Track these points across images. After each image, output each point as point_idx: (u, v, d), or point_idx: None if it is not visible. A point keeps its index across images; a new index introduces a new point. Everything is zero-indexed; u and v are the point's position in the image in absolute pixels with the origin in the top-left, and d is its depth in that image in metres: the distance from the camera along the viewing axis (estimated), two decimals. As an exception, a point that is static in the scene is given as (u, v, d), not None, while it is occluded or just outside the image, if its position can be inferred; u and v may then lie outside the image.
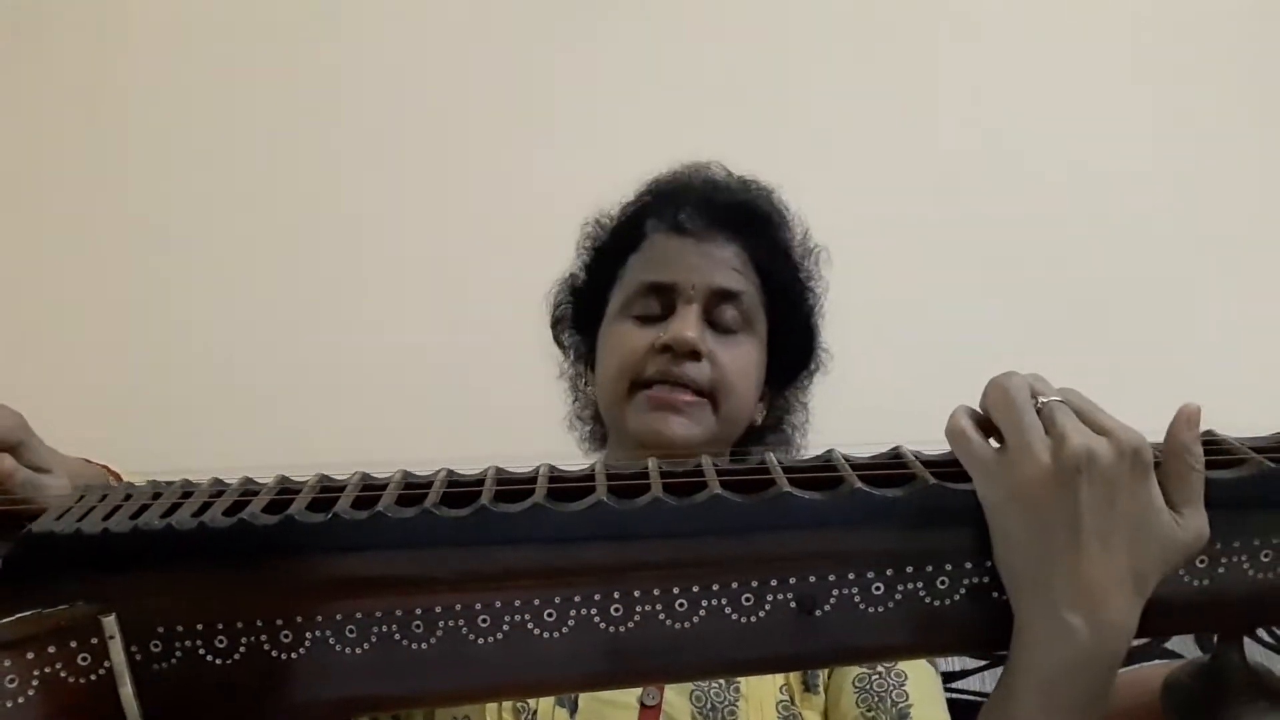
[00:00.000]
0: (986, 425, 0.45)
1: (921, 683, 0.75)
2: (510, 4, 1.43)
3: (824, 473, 0.47)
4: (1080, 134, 1.40)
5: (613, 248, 0.90)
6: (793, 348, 0.90)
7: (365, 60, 1.42)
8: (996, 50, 1.43)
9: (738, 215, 0.86)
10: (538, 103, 1.40)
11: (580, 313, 0.93)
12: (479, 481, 0.47)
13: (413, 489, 0.47)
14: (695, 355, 0.80)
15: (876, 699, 0.73)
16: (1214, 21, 1.43)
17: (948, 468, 0.46)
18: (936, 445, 0.48)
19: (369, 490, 0.47)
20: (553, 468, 0.49)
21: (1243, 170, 1.40)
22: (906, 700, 0.73)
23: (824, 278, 0.92)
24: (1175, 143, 1.41)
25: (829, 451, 0.49)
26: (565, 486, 0.46)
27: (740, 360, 0.83)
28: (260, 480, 0.49)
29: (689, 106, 1.39)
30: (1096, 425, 0.43)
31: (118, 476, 0.75)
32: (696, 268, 0.83)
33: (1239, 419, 0.49)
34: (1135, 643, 0.45)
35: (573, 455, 0.53)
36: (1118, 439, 0.43)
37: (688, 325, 0.80)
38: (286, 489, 0.48)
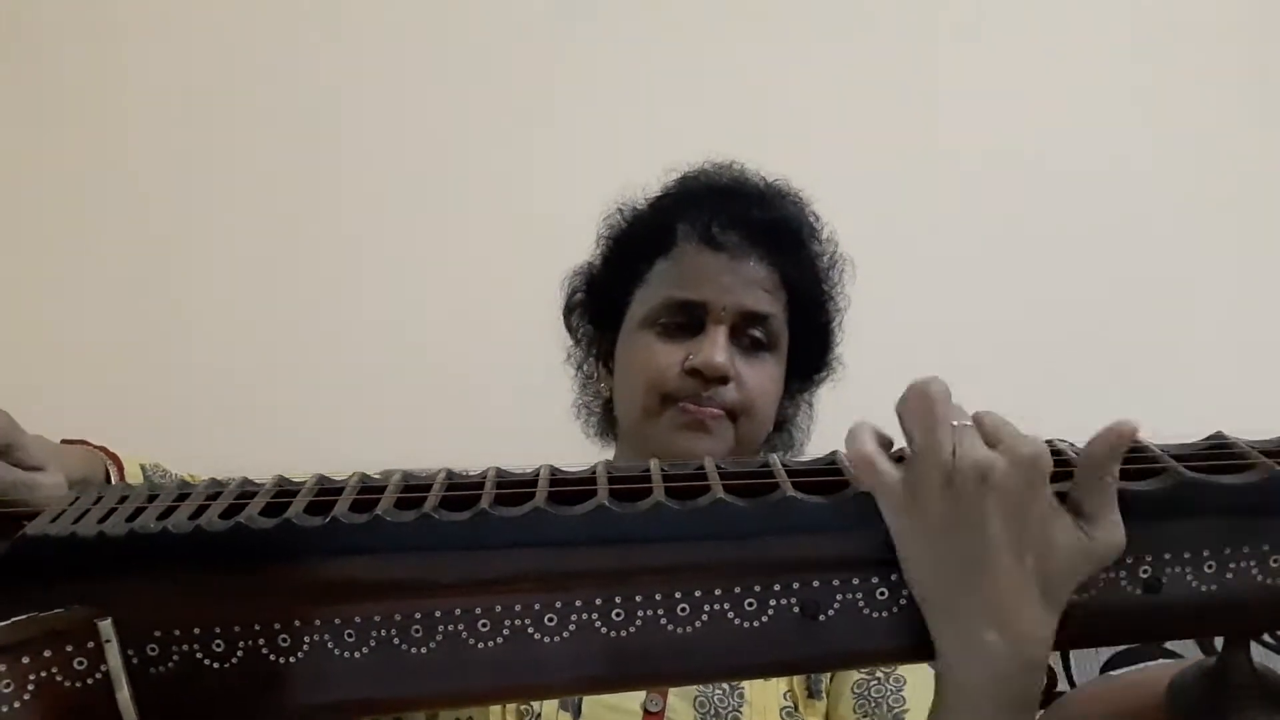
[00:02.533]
0: (887, 445, 0.45)
1: (921, 687, 0.75)
2: (510, 3, 1.42)
3: (828, 476, 0.46)
4: (1081, 135, 1.40)
5: (639, 245, 0.87)
6: (808, 355, 0.89)
7: (365, 62, 1.41)
8: (997, 50, 1.43)
9: (772, 233, 0.84)
10: (538, 102, 1.40)
11: (597, 304, 0.91)
12: (479, 483, 0.47)
13: (412, 491, 0.46)
14: (723, 380, 0.80)
15: (873, 704, 0.74)
16: (1215, 21, 1.43)
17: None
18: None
19: (367, 493, 0.46)
20: (554, 469, 0.48)
21: (1244, 170, 1.40)
22: (903, 705, 0.74)
23: (847, 292, 0.91)
24: (1177, 143, 1.41)
25: (833, 453, 0.49)
26: (566, 490, 0.45)
27: (764, 381, 0.83)
28: (258, 480, 0.49)
29: (689, 105, 1.38)
30: (993, 439, 0.43)
31: (115, 458, 0.75)
32: (728, 287, 0.81)
33: (1239, 419, 0.49)
34: (1136, 645, 0.44)
35: (574, 455, 0.52)
36: (1011, 449, 0.42)
37: (717, 350, 0.80)
38: (284, 490, 0.47)
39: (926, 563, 0.43)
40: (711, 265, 0.82)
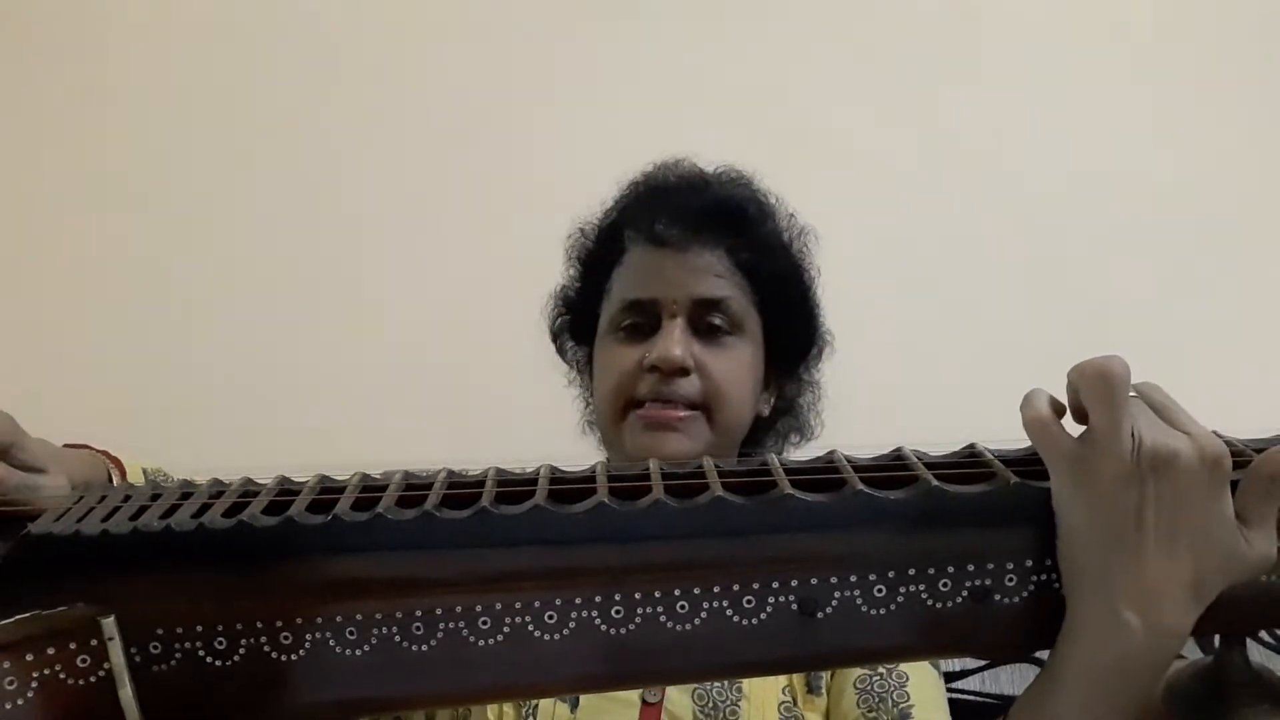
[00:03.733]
0: (1061, 411, 0.45)
1: (923, 684, 0.75)
2: (508, 3, 1.43)
3: (826, 474, 0.46)
4: (1080, 134, 1.41)
5: (596, 260, 0.89)
6: (793, 332, 0.89)
7: (364, 62, 1.42)
8: (996, 47, 1.43)
9: (715, 218, 0.85)
10: (538, 102, 1.40)
11: (576, 324, 0.93)
12: (479, 482, 0.47)
13: (413, 490, 0.47)
14: (683, 371, 0.80)
15: (877, 699, 0.73)
16: (1214, 21, 1.43)
17: (949, 469, 0.46)
18: (938, 446, 0.48)
19: (369, 491, 0.47)
20: (554, 469, 0.49)
21: (1243, 171, 1.40)
22: (908, 701, 0.74)
23: (814, 258, 0.90)
24: (1175, 143, 1.41)
25: (831, 452, 0.49)
26: (566, 489, 0.46)
27: (731, 366, 0.82)
28: (260, 481, 0.49)
29: (689, 105, 1.39)
30: (1177, 425, 0.43)
31: (118, 462, 0.75)
32: (677, 280, 0.82)
33: (1239, 419, 0.49)
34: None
35: (574, 456, 0.52)
36: (1200, 443, 0.42)
37: (672, 343, 0.79)
38: (286, 490, 0.48)
39: (1085, 535, 0.43)
40: (659, 261, 0.83)
